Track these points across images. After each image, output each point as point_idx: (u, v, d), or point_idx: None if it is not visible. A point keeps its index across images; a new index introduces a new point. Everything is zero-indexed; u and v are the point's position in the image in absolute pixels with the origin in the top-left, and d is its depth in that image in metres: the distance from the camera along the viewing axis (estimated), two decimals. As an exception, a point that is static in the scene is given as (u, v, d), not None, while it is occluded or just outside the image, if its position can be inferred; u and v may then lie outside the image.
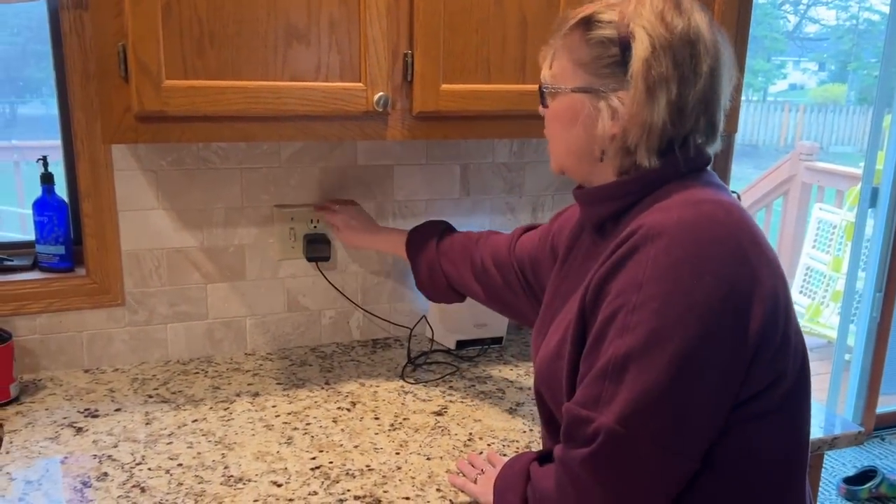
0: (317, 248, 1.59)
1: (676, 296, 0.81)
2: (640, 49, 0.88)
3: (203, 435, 1.26)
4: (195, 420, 1.31)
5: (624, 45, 0.90)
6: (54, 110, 1.47)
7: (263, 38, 1.18)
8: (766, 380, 0.86)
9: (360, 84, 1.25)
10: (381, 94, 1.25)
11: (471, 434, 1.29)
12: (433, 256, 1.38)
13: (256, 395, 1.42)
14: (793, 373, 0.89)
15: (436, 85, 1.29)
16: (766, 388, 0.87)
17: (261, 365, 1.56)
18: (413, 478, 1.15)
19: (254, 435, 1.27)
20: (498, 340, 1.68)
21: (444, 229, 1.42)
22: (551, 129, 1.01)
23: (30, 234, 1.48)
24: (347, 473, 1.16)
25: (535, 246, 1.24)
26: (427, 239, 1.40)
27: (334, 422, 1.32)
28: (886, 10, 2.67)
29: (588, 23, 0.93)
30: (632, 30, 0.89)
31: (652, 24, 0.89)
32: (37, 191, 1.46)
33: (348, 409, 1.37)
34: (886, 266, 2.87)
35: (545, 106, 1.00)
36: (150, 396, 1.40)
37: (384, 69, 1.25)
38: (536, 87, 1.01)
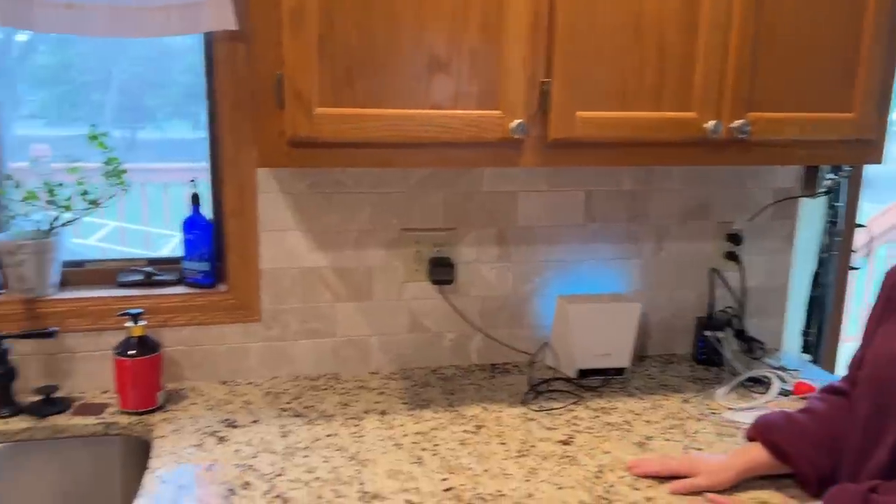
0: (440, 272, 1.61)
1: None
2: None
3: (337, 450, 1.30)
4: (328, 435, 1.35)
5: None
6: (168, 135, 1.57)
7: (408, 68, 1.22)
8: None
9: (498, 112, 1.27)
10: (518, 121, 1.27)
11: (601, 466, 1.27)
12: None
13: (384, 413, 1.45)
14: None
15: (572, 113, 1.29)
16: None
17: (385, 384, 1.59)
18: (546, 505, 1.14)
19: (385, 453, 1.29)
20: (620, 371, 1.66)
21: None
22: None
23: (154, 253, 1.57)
24: (479, 497, 1.16)
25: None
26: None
27: (462, 444, 1.33)
28: None
29: None
30: None
31: None
32: (158, 211, 1.56)
33: (474, 433, 1.38)
34: None
35: None
36: (284, 410, 1.45)
37: (521, 97, 1.27)
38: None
